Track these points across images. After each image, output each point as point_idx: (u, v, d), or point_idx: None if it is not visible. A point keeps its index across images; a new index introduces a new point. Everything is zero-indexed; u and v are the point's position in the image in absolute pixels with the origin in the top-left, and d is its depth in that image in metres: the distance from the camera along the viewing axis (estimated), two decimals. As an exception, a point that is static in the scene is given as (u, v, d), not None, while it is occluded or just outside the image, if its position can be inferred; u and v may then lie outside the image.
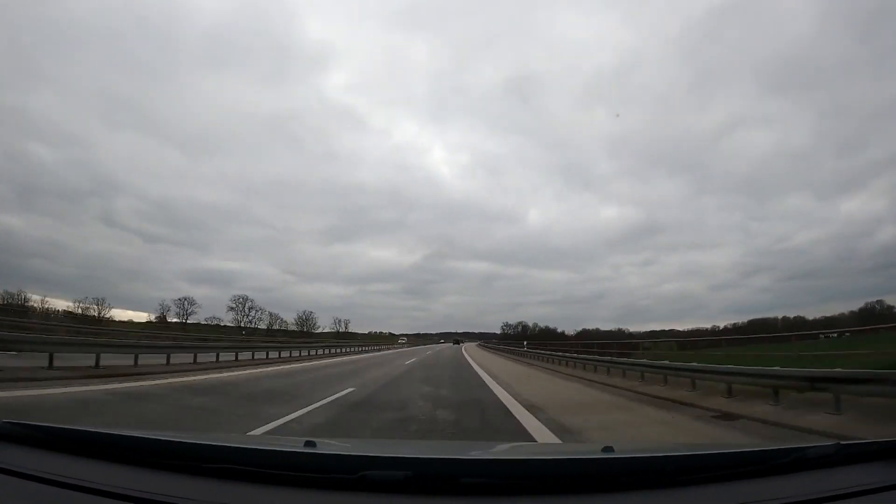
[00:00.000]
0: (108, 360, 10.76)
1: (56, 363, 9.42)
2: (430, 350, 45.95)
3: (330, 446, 1.81)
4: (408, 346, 64.13)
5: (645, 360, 13.60)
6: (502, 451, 2.10)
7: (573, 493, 1.27)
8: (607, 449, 1.57)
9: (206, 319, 64.09)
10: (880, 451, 1.50)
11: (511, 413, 6.78)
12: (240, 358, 18.33)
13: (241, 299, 65.83)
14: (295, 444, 1.54)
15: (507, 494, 1.26)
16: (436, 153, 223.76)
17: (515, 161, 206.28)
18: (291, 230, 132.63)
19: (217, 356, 16.36)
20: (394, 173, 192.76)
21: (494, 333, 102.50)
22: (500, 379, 13.10)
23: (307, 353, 26.35)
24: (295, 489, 1.24)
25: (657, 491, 1.28)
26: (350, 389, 9.05)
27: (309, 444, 1.52)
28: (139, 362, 11.76)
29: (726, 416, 6.85)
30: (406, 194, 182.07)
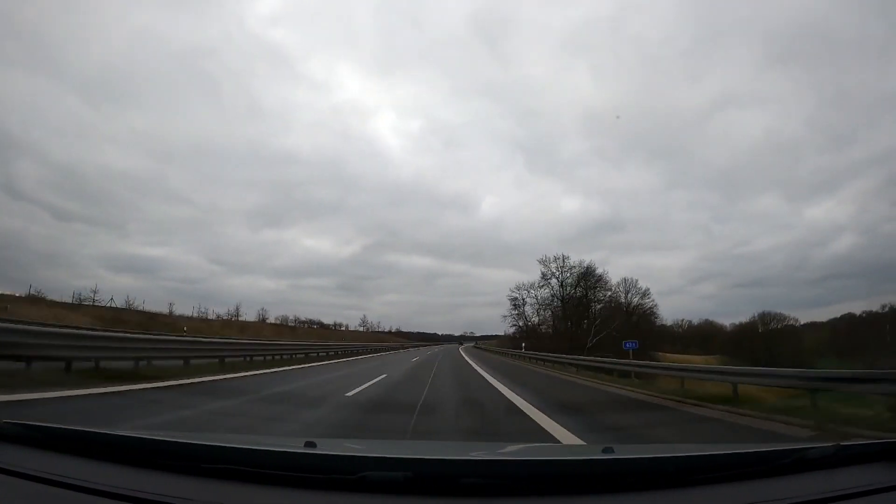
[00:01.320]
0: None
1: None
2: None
3: (330, 446, 1.81)
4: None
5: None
6: (502, 451, 2.10)
7: (573, 493, 1.27)
8: (607, 450, 1.57)
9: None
10: (880, 452, 1.50)
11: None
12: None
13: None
14: (295, 445, 1.54)
15: (507, 495, 1.26)
16: (383, 118, 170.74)
17: (476, 133, 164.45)
18: (216, 209, 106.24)
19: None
20: (332, 141, 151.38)
21: (435, 335, 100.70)
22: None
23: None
24: (295, 489, 1.24)
25: (657, 492, 1.28)
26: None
27: (309, 444, 1.52)
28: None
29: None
30: (346, 170, 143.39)
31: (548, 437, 4.84)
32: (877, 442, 1.56)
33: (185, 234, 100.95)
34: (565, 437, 4.74)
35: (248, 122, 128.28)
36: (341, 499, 1.23)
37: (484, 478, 1.31)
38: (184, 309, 54.72)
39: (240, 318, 60.11)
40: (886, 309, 42.92)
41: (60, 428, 1.54)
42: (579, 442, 4.62)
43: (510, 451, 2.12)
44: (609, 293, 48.39)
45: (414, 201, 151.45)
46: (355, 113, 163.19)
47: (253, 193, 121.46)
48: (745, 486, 1.32)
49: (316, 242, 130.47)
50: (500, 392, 9.33)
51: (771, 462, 1.42)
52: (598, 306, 47.73)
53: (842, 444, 1.48)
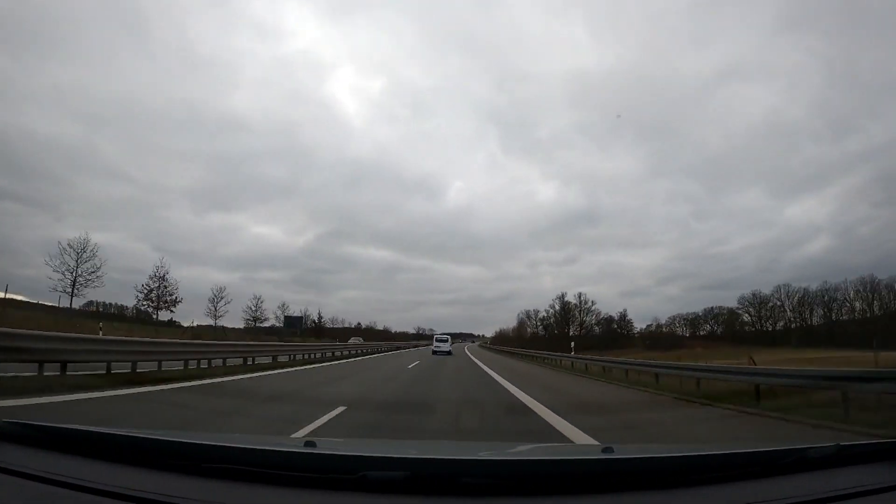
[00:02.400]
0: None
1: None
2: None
3: (330, 446, 1.81)
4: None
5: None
6: (502, 451, 2.10)
7: (573, 493, 1.27)
8: (607, 449, 1.57)
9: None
10: (880, 452, 1.50)
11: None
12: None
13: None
14: (295, 444, 1.54)
15: (507, 495, 1.27)
16: (340, 75, 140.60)
17: (447, 98, 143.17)
18: (157, 187, 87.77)
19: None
20: (283, 104, 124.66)
21: (405, 332, 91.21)
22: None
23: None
24: (295, 489, 1.24)
25: (657, 492, 1.28)
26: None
27: (309, 444, 1.52)
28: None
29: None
30: (300, 141, 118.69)
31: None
32: (877, 442, 1.56)
33: (127, 217, 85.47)
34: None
35: (184, 75, 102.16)
36: (341, 498, 1.23)
37: (484, 477, 1.31)
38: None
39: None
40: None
41: (61, 427, 1.54)
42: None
43: (510, 450, 2.12)
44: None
45: (375, 182, 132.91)
46: (309, 68, 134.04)
47: (196, 168, 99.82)
48: (746, 486, 1.32)
49: (268, 230, 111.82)
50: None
51: (771, 462, 1.42)
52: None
53: (842, 444, 1.48)
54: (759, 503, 1.23)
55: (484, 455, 1.74)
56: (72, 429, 1.55)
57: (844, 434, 5.12)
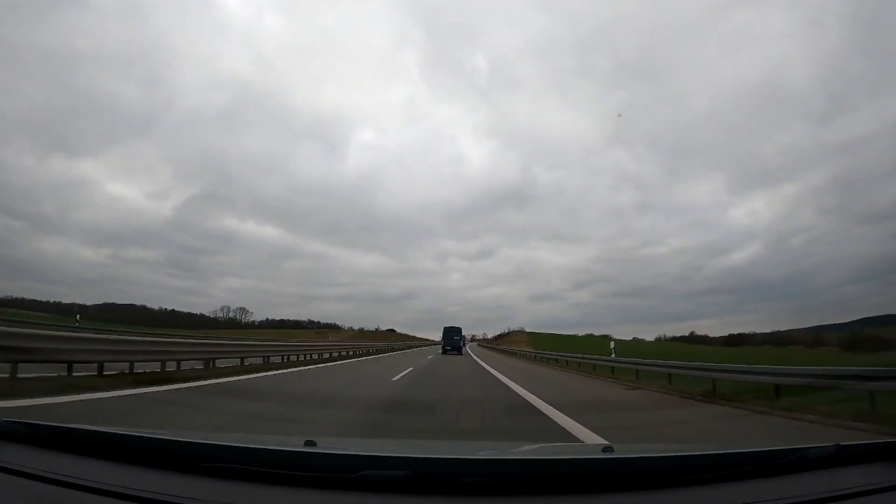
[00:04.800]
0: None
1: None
2: None
3: (330, 446, 1.82)
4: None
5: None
6: (502, 450, 2.10)
7: (573, 493, 1.27)
8: (607, 449, 1.58)
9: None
10: (880, 452, 1.50)
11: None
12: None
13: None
14: (295, 444, 1.54)
15: (507, 494, 1.27)
16: None
17: None
18: None
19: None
20: None
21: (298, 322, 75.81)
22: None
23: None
24: (295, 489, 1.24)
25: (657, 491, 1.28)
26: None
27: (309, 443, 1.53)
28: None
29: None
30: (155, 34, 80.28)
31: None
32: (877, 442, 1.56)
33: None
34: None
35: None
36: (342, 498, 1.23)
37: (484, 477, 1.31)
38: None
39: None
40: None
41: (61, 427, 1.54)
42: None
43: (510, 450, 2.13)
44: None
45: (256, 120, 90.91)
46: None
47: (19, 76, 67.12)
48: (746, 486, 1.32)
49: (125, 189, 73.50)
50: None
51: (771, 462, 1.42)
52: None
53: (842, 443, 1.48)
54: (759, 503, 1.23)
55: (484, 454, 1.74)
56: (72, 428, 1.55)
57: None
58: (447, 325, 35.75)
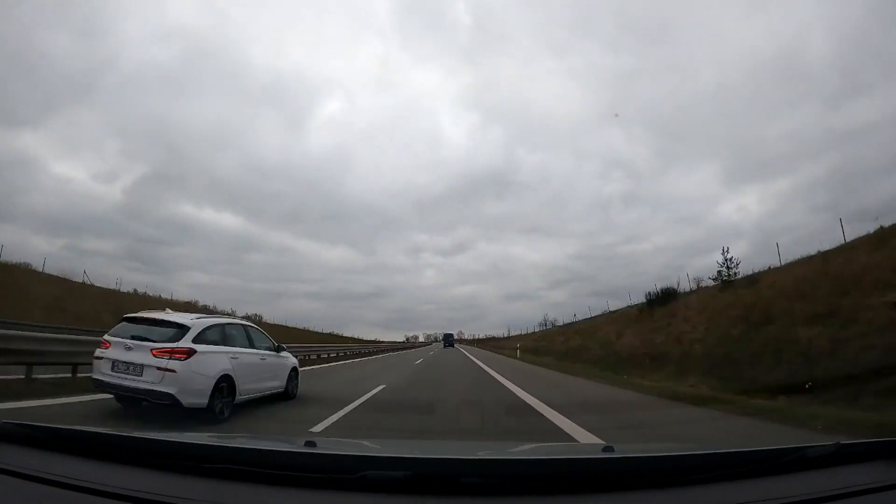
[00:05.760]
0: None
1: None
2: None
3: (330, 446, 1.82)
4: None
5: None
6: (502, 451, 2.10)
7: (573, 493, 1.27)
8: (607, 449, 1.58)
9: None
10: (880, 451, 1.50)
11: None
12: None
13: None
14: (295, 444, 1.54)
15: (507, 494, 1.27)
16: None
17: None
18: None
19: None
20: None
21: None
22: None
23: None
24: (295, 489, 1.24)
25: (657, 491, 1.28)
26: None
27: (309, 444, 1.53)
28: None
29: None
30: None
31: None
32: (877, 441, 1.56)
33: None
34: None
35: None
36: (342, 498, 1.23)
37: (484, 477, 1.31)
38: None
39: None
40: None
41: (61, 428, 1.54)
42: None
43: (510, 450, 2.13)
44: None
45: (208, 80, 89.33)
46: None
47: None
48: (745, 486, 1.32)
49: (69, 169, 69.87)
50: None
51: (771, 461, 1.42)
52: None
53: (842, 442, 1.48)
54: (759, 502, 1.23)
55: (484, 455, 1.74)
56: (72, 429, 1.55)
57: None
58: (446, 332, 55.86)
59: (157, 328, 5.49)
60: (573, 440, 4.86)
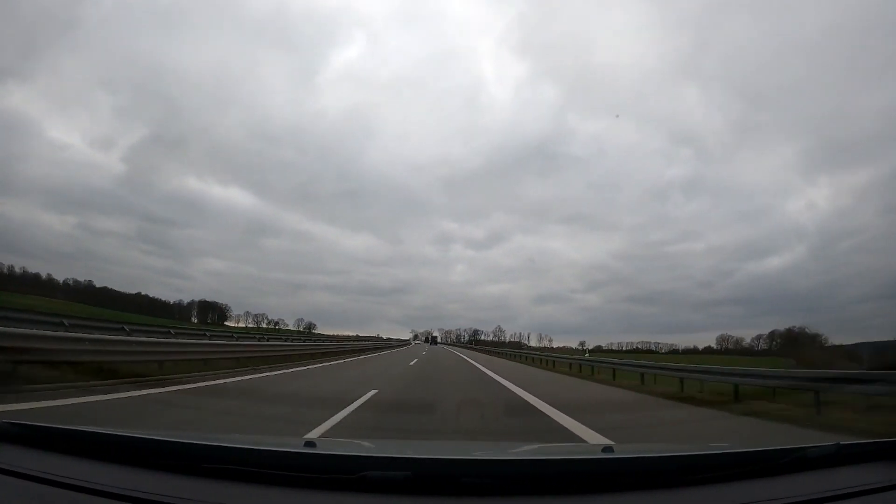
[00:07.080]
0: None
1: None
2: None
3: (330, 446, 1.82)
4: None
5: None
6: (502, 451, 2.10)
7: (573, 493, 1.27)
8: (607, 449, 1.58)
9: None
10: (880, 451, 1.50)
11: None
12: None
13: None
14: (295, 444, 1.54)
15: (507, 494, 1.27)
16: None
17: None
18: None
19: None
20: None
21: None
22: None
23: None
24: (295, 489, 1.24)
25: (657, 491, 1.28)
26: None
27: (309, 444, 1.53)
28: None
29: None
30: None
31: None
32: (877, 441, 1.56)
33: None
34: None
35: None
36: (341, 498, 1.23)
37: (484, 477, 1.31)
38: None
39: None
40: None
41: (60, 428, 1.54)
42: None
43: (510, 450, 2.13)
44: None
45: (203, 14, 72.64)
46: None
47: None
48: (746, 486, 1.32)
49: (64, 134, 61.96)
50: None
51: (771, 461, 1.42)
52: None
53: (842, 443, 1.48)
54: (759, 502, 1.23)
55: (484, 455, 1.74)
56: (72, 429, 1.55)
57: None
58: (433, 335, 55.82)
59: None
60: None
